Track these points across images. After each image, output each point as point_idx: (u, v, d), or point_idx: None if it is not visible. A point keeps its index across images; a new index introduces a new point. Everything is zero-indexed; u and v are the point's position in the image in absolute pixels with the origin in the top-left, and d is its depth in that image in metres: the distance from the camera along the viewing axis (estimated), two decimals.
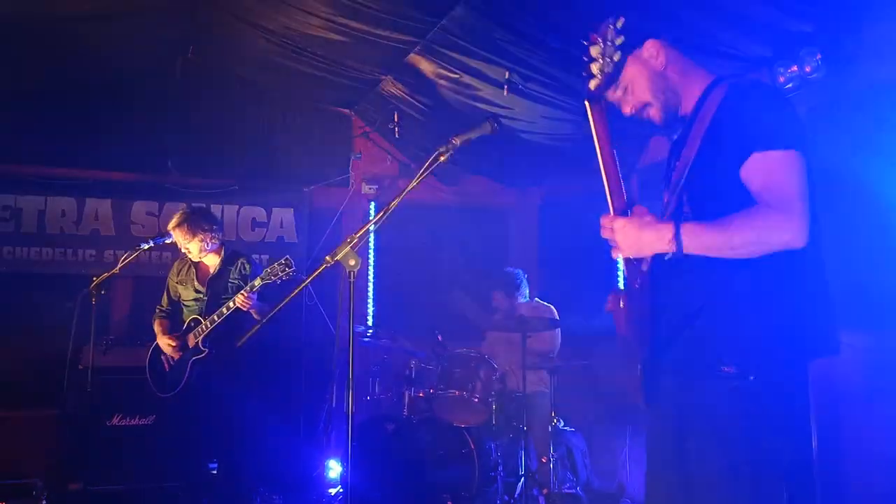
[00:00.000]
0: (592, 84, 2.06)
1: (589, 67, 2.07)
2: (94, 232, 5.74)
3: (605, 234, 2.02)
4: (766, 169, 1.87)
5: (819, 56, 3.96)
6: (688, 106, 2.13)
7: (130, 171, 5.89)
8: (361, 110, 6.39)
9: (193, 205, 5.24)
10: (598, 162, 2.05)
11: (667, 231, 1.90)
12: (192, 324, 4.58)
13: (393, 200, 2.53)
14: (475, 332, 5.68)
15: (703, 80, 2.11)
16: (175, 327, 4.66)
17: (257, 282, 4.32)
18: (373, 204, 6.52)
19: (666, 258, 1.99)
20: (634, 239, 1.95)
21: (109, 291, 5.55)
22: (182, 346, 4.56)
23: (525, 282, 5.43)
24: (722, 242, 1.87)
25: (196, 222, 4.57)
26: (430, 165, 2.32)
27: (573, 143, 5.38)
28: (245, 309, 4.40)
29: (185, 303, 4.70)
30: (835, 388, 3.90)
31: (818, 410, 3.78)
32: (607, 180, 2.04)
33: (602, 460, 5.79)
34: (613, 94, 2.15)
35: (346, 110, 6.49)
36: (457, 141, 2.42)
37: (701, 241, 1.89)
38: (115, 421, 5.11)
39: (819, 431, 3.76)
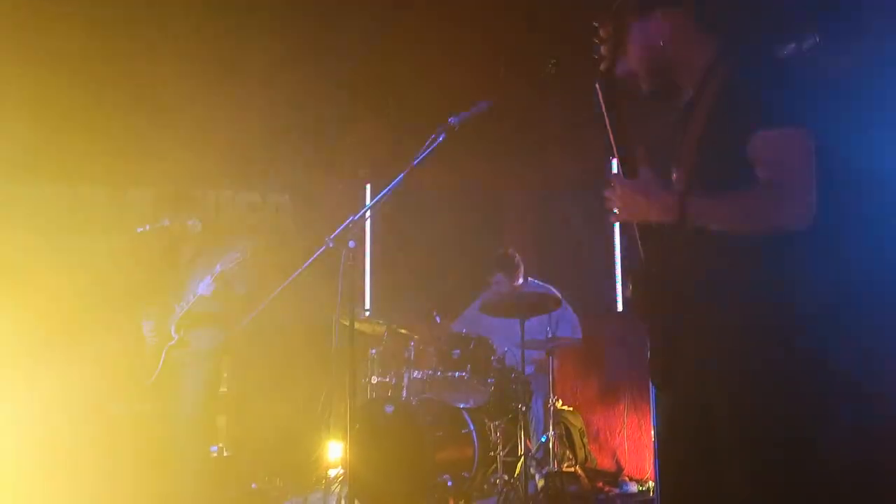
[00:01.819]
0: (603, 66, 2.04)
1: (599, 49, 2.05)
2: (87, 217, 5.71)
3: (608, 194, 1.98)
4: (771, 147, 1.84)
5: (817, 36, 3.95)
6: (692, 80, 2.08)
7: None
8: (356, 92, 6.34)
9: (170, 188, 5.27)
10: (608, 137, 2.04)
11: (669, 199, 1.88)
12: (169, 310, 4.60)
13: (388, 186, 2.52)
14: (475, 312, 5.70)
15: (710, 53, 2.06)
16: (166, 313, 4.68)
17: (217, 269, 4.33)
18: (368, 187, 6.49)
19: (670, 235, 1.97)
20: (635, 203, 1.92)
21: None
22: (161, 333, 4.58)
23: (521, 263, 5.44)
24: (723, 217, 1.86)
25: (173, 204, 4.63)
26: (428, 149, 2.30)
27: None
28: (209, 295, 4.41)
29: (170, 287, 4.72)
30: None
31: None
32: (616, 150, 2.02)
33: (600, 439, 5.84)
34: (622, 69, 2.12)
35: (341, 91, 6.44)
36: (455, 123, 2.41)
37: (703, 213, 1.86)
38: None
39: None
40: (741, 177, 1.88)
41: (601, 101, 2.02)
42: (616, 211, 1.97)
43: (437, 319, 5.01)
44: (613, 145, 2.00)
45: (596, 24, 2.02)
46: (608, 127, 2.01)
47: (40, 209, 5.62)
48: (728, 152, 1.90)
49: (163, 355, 4.53)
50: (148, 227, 4.65)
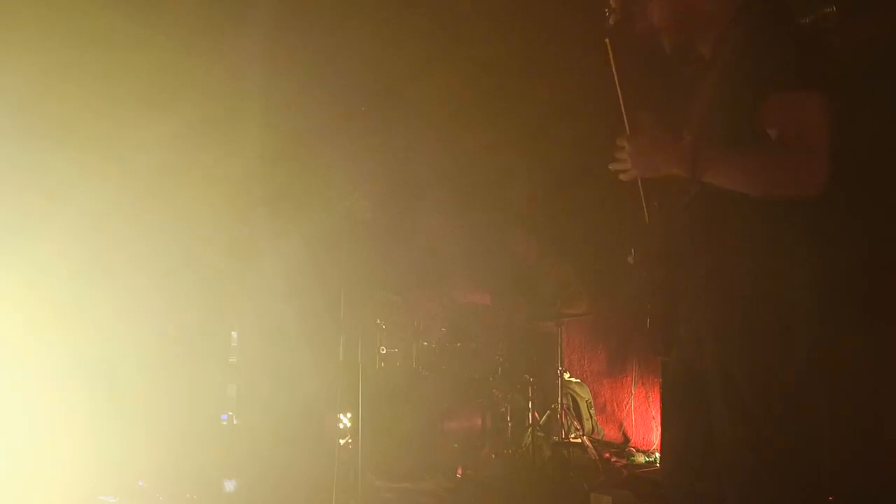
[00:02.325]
0: (612, 20, 2.00)
1: (609, 2, 2.01)
2: None
3: (619, 155, 1.94)
4: (787, 112, 1.80)
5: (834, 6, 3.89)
6: (709, 41, 2.04)
7: None
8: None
9: None
10: (616, 93, 2.00)
11: (682, 150, 1.85)
12: None
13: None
14: (482, 284, 5.70)
15: (728, 13, 2.01)
16: None
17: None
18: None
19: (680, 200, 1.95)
20: (647, 158, 1.89)
21: None
22: None
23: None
24: (736, 171, 1.83)
25: None
26: None
27: None
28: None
29: None
30: None
31: None
32: (624, 108, 1.99)
33: (607, 411, 5.86)
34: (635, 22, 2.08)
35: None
36: None
37: (716, 165, 1.83)
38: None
39: None
40: (752, 141, 1.85)
41: (611, 56, 1.98)
42: (628, 167, 1.93)
43: (446, 289, 5.02)
44: (621, 102, 1.97)
45: None
46: (617, 84, 1.97)
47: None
48: (741, 117, 1.88)
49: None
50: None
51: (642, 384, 5.57)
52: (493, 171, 6.85)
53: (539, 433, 4.73)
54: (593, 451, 4.98)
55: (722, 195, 1.85)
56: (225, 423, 5.31)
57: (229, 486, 4.39)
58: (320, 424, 5.35)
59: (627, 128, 1.97)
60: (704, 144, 1.88)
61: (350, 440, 4.83)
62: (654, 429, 5.28)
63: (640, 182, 2.03)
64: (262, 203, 6.11)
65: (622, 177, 1.97)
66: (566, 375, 5.03)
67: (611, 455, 5.19)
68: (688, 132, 2.02)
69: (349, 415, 4.84)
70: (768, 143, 1.84)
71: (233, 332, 5.34)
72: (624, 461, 5.09)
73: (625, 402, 5.76)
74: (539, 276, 4.91)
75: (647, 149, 1.87)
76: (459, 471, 4.44)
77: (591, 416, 5.60)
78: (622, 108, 1.99)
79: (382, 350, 5.12)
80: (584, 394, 5.60)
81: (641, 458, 5.11)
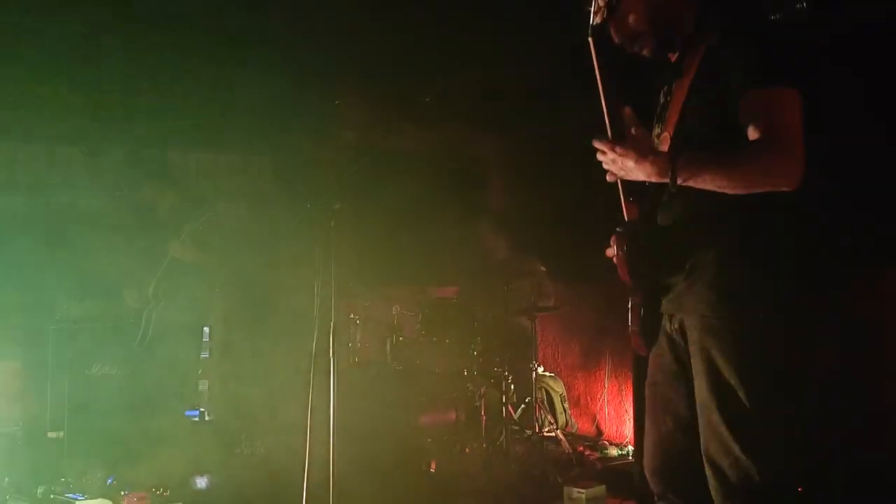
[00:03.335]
0: (596, 19, 2.01)
1: (593, 2, 2.02)
2: (67, 180, 5.59)
3: (600, 157, 1.96)
4: (762, 107, 1.85)
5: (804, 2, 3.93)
6: (680, 41, 2.08)
7: (103, 118, 5.72)
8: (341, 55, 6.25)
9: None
10: (597, 92, 2.01)
11: (663, 164, 1.87)
12: (149, 274, 4.59)
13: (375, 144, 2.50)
14: (457, 278, 5.69)
15: (695, 13, 2.07)
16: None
17: (185, 229, 4.31)
18: (353, 151, 6.41)
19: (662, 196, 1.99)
20: (626, 165, 1.91)
21: (86, 241, 5.48)
22: (142, 297, 4.58)
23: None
24: (717, 176, 1.86)
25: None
26: (413, 109, 2.27)
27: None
28: (180, 258, 4.39)
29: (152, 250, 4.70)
30: None
31: None
32: (606, 109, 1.99)
33: (581, 404, 5.89)
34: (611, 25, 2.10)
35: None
36: (441, 81, 2.38)
37: (697, 173, 1.86)
38: (93, 370, 5.08)
39: None
40: (726, 139, 1.89)
41: (593, 56, 1.97)
42: (616, 172, 1.96)
43: (421, 284, 5.01)
44: (603, 104, 1.98)
45: None
46: (599, 84, 1.97)
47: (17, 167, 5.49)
48: (716, 113, 1.92)
49: (143, 320, 4.53)
50: (127, 191, 4.62)
51: (615, 378, 5.60)
52: (466, 165, 6.86)
53: (513, 427, 4.74)
54: (567, 444, 5.01)
55: (700, 192, 1.90)
56: (196, 419, 5.26)
57: (201, 482, 4.35)
58: (292, 420, 5.32)
59: (609, 131, 1.98)
60: (682, 149, 1.92)
61: (323, 435, 4.81)
62: (627, 422, 5.31)
63: (619, 181, 2.05)
64: (239, 197, 6.07)
65: (608, 178, 1.99)
66: (540, 369, 5.05)
67: (584, 448, 5.22)
68: (663, 133, 2.05)
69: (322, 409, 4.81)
70: (745, 141, 1.87)
71: (204, 328, 5.28)
72: (597, 454, 5.12)
73: (598, 396, 5.80)
74: (512, 271, 4.91)
75: (627, 160, 1.89)
76: (433, 465, 4.44)
77: (565, 410, 5.63)
78: (604, 109, 1.99)
79: (358, 345, 5.11)
80: (557, 387, 5.63)
81: (615, 451, 5.14)
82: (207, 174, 5.97)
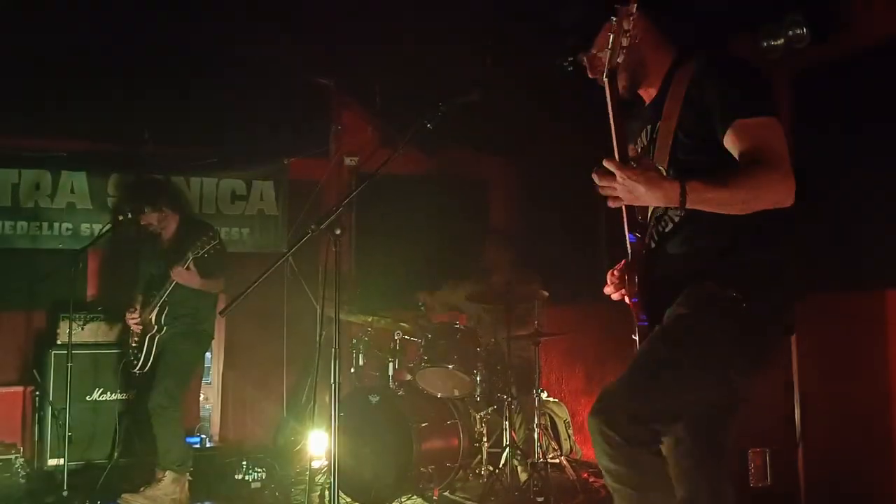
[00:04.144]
0: (614, 60, 2.07)
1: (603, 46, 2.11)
2: (70, 205, 5.62)
3: (604, 182, 1.98)
4: (755, 132, 1.98)
5: (804, 25, 3.97)
6: (656, 78, 2.22)
7: (106, 142, 5.75)
8: (341, 80, 6.29)
9: (146, 176, 5.25)
10: (608, 124, 2.11)
11: (672, 189, 1.92)
12: (151, 299, 4.57)
13: (376, 170, 2.50)
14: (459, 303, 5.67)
15: (671, 51, 2.22)
16: (149, 301, 4.65)
17: (189, 255, 4.28)
18: (354, 175, 6.44)
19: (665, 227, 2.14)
20: (636, 191, 1.94)
21: (87, 265, 5.49)
22: (143, 322, 4.56)
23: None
24: (724, 198, 1.95)
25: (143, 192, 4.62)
26: (415, 132, 2.28)
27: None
28: (185, 283, 4.37)
29: (152, 276, 4.69)
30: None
31: None
32: (616, 136, 2.08)
33: (585, 431, 5.84)
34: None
35: (326, 81, 6.38)
36: (443, 107, 2.38)
37: (704, 197, 1.94)
38: (94, 396, 5.06)
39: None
40: (718, 166, 2.01)
41: (608, 92, 2.07)
42: (616, 197, 1.99)
43: (423, 309, 4.98)
44: (614, 135, 2.06)
45: (613, 18, 2.02)
46: (611, 117, 2.07)
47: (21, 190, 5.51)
48: (705, 142, 2.06)
49: (145, 344, 4.51)
50: (129, 215, 4.62)
51: None
52: (468, 188, 6.88)
53: (517, 454, 4.70)
54: (571, 471, 4.95)
55: (702, 226, 2.07)
56: (198, 445, 5.23)
57: None
58: (293, 445, 5.29)
59: (617, 156, 2.05)
60: (685, 176, 1.98)
61: (325, 461, 4.77)
62: None
63: (623, 212, 2.17)
64: (237, 223, 6.08)
65: (611, 204, 2.03)
66: (544, 395, 5.01)
67: (589, 475, 5.16)
68: (656, 165, 2.12)
69: (324, 435, 4.78)
70: (736, 166, 1.99)
71: (207, 353, 5.26)
72: (602, 481, 5.06)
73: None
74: (515, 296, 4.89)
75: (638, 186, 1.92)
76: (436, 493, 4.39)
77: (570, 436, 5.57)
78: (613, 136, 2.08)
79: (359, 370, 5.08)
80: (562, 413, 5.58)
81: None
82: (210, 198, 5.98)
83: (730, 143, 2.00)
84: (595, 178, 1.96)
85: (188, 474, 4.56)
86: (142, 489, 4.33)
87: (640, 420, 1.96)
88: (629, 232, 2.19)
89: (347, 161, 6.43)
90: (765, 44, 4.05)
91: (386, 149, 6.32)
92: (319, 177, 6.26)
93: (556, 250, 6.19)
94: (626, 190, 1.94)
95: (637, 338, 2.20)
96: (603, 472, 2.02)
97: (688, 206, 1.92)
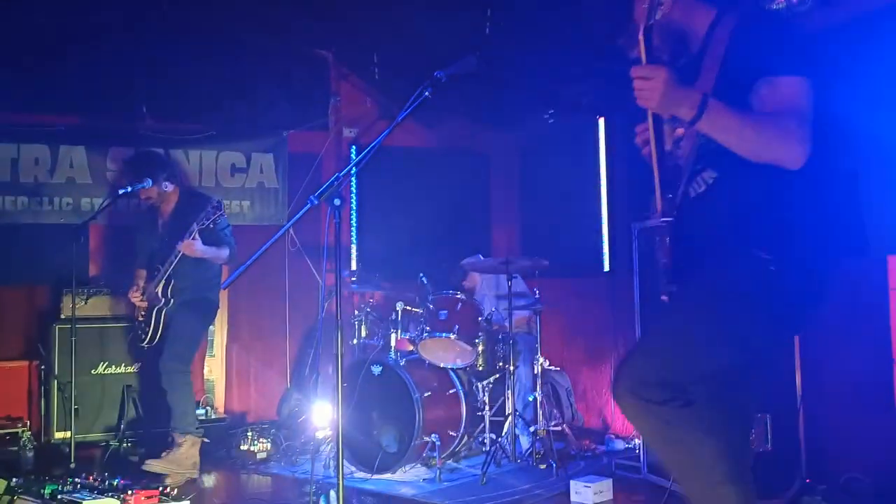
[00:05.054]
0: (653, 18, 2.07)
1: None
2: (70, 180, 5.61)
3: (636, 78, 2.02)
4: (774, 92, 1.97)
5: None
6: (695, 42, 2.19)
7: (104, 117, 5.73)
8: (340, 51, 6.24)
9: (143, 150, 5.22)
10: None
11: (695, 95, 1.97)
12: (155, 273, 4.58)
13: (375, 141, 2.49)
14: (456, 277, 5.69)
15: (708, 13, 2.17)
16: (153, 276, 4.66)
17: (195, 227, 4.29)
18: (353, 147, 6.42)
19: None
20: (663, 91, 1.97)
21: (88, 240, 5.49)
22: (149, 296, 4.57)
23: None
24: (735, 128, 1.97)
25: (141, 166, 4.60)
26: (415, 103, 2.27)
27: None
28: (192, 255, 4.38)
29: (154, 250, 4.70)
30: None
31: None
32: (644, 45, 2.07)
33: (586, 398, 5.89)
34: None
35: (325, 52, 6.33)
36: (442, 77, 2.36)
37: (719, 117, 1.97)
38: (100, 369, 5.10)
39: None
40: None
41: (642, 50, 2.06)
42: (646, 99, 2.02)
43: (424, 280, 5.00)
44: (641, 41, 2.07)
45: None
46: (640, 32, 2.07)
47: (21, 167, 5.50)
48: (737, 101, 2.01)
49: (152, 318, 4.53)
50: (129, 189, 4.61)
51: None
52: (472, 161, 6.85)
53: (518, 422, 4.74)
54: (573, 438, 5.01)
55: (736, 188, 2.05)
56: (202, 416, 5.27)
57: None
58: (297, 416, 5.34)
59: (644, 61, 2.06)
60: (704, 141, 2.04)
61: (329, 431, 4.82)
62: None
63: (655, 174, 2.15)
64: (237, 196, 6.07)
65: (638, 102, 2.05)
66: (545, 363, 5.04)
67: (590, 442, 5.22)
68: (681, 129, 2.15)
69: (328, 405, 4.83)
70: None
71: (210, 326, 5.29)
72: (604, 448, 5.11)
73: (604, 390, 5.79)
74: (516, 267, 4.91)
75: (665, 86, 1.96)
76: (439, 461, 4.44)
77: (571, 404, 5.62)
78: (641, 44, 2.07)
79: (361, 341, 5.11)
80: (563, 381, 5.62)
81: (621, 445, 5.13)
82: (210, 171, 5.97)
83: (755, 101, 2.00)
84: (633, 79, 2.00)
85: (203, 437, 4.63)
86: (164, 454, 4.39)
87: (668, 382, 1.99)
88: (661, 195, 2.17)
89: (346, 132, 6.40)
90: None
91: (385, 120, 6.30)
92: (319, 149, 6.24)
93: (556, 223, 6.20)
94: (651, 86, 1.97)
95: (666, 298, 2.21)
96: (639, 433, 2.06)
97: (703, 120, 1.94)
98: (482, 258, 5.37)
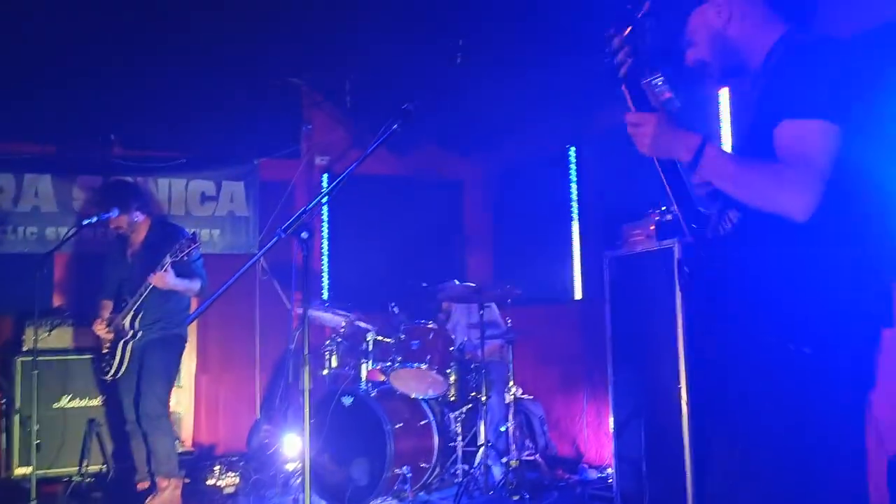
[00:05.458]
0: (622, 71, 2.05)
1: (616, 55, 2.07)
2: (35, 209, 5.52)
3: (631, 130, 1.99)
4: (793, 136, 1.83)
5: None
6: (757, 60, 2.05)
7: (72, 146, 5.66)
8: (312, 79, 6.24)
9: (113, 178, 5.16)
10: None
11: (693, 140, 1.92)
12: (122, 304, 4.49)
13: (344, 173, 2.48)
14: (431, 304, 5.65)
15: (773, 32, 2.01)
16: (120, 307, 4.56)
17: (167, 259, 4.21)
18: (325, 176, 6.40)
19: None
20: (654, 136, 1.95)
21: (53, 270, 5.39)
22: (116, 328, 4.47)
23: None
24: (731, 176, 1.89)
25: (111, 195, 4.53)
26: (383, 136, 2.26)
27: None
28: (164, 287, 4.30)
29: (122, 280, 4.61)
30: None
31: None
32: (630, 96, 2.05)
33: (560, 426, 5.86)
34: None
35: (297, 80, 6.33)
36: (411, 109, 2.36)
37: (715, 164, 1.91)
38: (63, 403, 4.98)
39: None
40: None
41: (629, 98, 2.04)
42: (639, 144, 1.99)
43: (395, 310, 4.96)
44: (630, 100, 2.05)
45: (611, 33, 2.00)
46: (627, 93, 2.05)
47: None
48: (766, 138, 1.90)
49: (118, 350, 4.43)
50: (95, 219, 4.53)
51: (594, 400, 5.59)
52: (439, 189, 6.86)
53: (491, 452, 4.70)
54: (546, 468, 4.97)
55: (761, 226, 1.88)
56: None
57: None
58: (266, 448, 5.24)
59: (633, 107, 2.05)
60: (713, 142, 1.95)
61: (299, 464, 4.74)
62: (607, 444, 5.28)
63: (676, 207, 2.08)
64: (207, 224, 6.00)
65: (641, 150, 2.02)
66: (518, 392, 5.02)
67: (564, 471, 5.19)
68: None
69: (297, 437, 4.75)
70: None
71: None
72: (577, 477, 5.08)
73: (577, 418, 5.77)
74: (488, 296, 4.90)
75: (660, 132, 1.94)
76: (411, 493, 4.38)
77: (545, 433, 5.59)
78: (629, 100, 2.06)
79: (332, 371, 5.05)
80: (536, 410, 5.60)
81: (594, 474, 5.11)
82: (179, 199, 5.91)
83: (775, 144, 1.85)
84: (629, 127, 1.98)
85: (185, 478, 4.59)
86: (149, 500, 4.35)
87: None
88: (685, 222, 2.08)
89: (319, 160, 6.39)
90: None
91: (357, 149, 6.30)
92: (291, 177, 6.21)
93: (529, 250, 6.21)
94: (645, 133, 1.95)
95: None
96: None
97: (701, 165, 1.90)
98: (457, 283, 5.35)
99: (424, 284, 5.12)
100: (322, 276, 6.40)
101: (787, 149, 1.83)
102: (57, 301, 5.52)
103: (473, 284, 4.92)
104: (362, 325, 4.93)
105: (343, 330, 5.11)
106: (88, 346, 5.06)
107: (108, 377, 4.52)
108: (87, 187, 5.60)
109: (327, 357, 5.06)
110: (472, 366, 4.81)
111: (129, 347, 4.43)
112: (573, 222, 5.88)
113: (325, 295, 6.34)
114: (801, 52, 1.90)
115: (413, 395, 4.71)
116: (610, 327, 4.28)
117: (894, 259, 1.95)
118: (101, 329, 4.53)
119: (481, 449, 4.64)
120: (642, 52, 2.05)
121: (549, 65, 4.97)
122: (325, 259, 6.43)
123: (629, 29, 2.01)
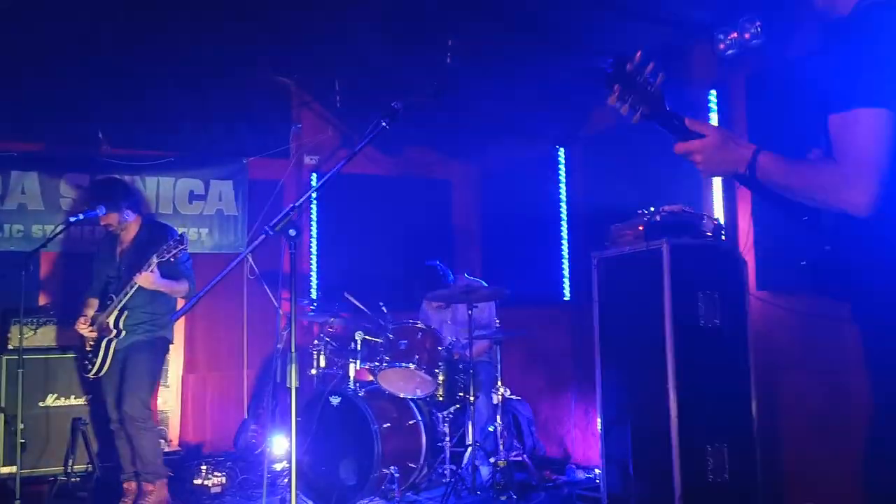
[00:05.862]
0: (634, 119, 2.02)
1: (620, 107, 2.02)
2: (21, 206, 5.48)
3: (688, 156, 2.00)
4: (842, 130, 1.79)
5: (759, 23, 4.04)
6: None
7: (60, 143, 5.62)
8: (302, 79, 6.23)
9: (105, 176, 5.12)
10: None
11: (746, 153, 1.92)
12: (108, 302, 4.45)
13: (331, 172, 2.48)
14: (420, 303, 5.65)
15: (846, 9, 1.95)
16: (105, 305, 4.53)
17: (154, 259, 4.18)
18: (314, 175, 6.39)
19: None
20: (714, 157, 1.96)
21: (38, 268, 5.36)
22: (99, 326, 4.44)
23: (448, 271, 5.40)
24: (786, 181, 1.90)
25: (101, 193, 4.50)
26: (371, 134, 2.25)
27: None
28: (149, 287, 4.27)
29: (109, 279, 4.58)
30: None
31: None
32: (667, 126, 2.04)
33: (547, 427, 5.87)
34: None
35: (286, 79, 6.32)
36: (399, 107, 2.36)
37: (770, 172, 1.90)
38: (48, 402, 4.94)
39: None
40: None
41: (661, 127, 2.03)
42: (701, 171, 2.01)
43: (384, 310, 4.96)
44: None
45: (610, 91, 1.98)
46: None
47: None
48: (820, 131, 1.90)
49: (101, 349, 4.40)
50: (81, 216, 4.49)
51: (582, 400, 5.60)
52: (428, 188, 6.86)
53: (479, 452, 4.70)
54: (533, 469, 4.97)
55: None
56: None
57: None
58: (253, 449, 5.23)
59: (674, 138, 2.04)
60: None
61: (287, 464, 4.72)
62: (595, 444, 5.29)
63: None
64: (195, 223, 5.98)
65: (703, 175, 2.05)
66: (507, 393, 5.02)
67: (551, 472, 5.19)
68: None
69: (285, 437, 4.74)
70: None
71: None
72: (565, 478, 5.09)
73: (565, 419, 5.78)
74: (477, 296, 4.89)
75: (713, 152, 1.95)
76: (398, 493, 4.37)
77: (532, 433, 5.59)
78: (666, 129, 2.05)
79: (320, 371, 5.04)
80: (524, 411, 5.60)
81: (582, 475, 5.11)
82: (167, 198, 5.88)
83: (829, 128, 1.82)
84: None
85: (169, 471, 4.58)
86: None
87: None
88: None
89: (308, 160, 6.38)
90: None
91: (347, 148, 6.29)
92: (280, 176, 6.20)
93: (518, 250, 6.22)
94: (702, 157, 1.96)
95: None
96: None
97: (757, 176, 1.90)
98: (467, 276, 5.36)
99: (437, 262, 5.14)
100: (311, 276, 6.39)
101: (841, 142, 1.79)
102: (43, 300, 5.48)
103: (483, 281, 4.94)
104: (352, 317, 4.93)
105: (331, 329, 5.10)
106: (73, 345, 5.03)
107: (91, 375, 4.48)
108: (75, 185, 5.56)
109: (315, 356, 5.05)
110: (461, 366, 4.81)
111: (112, 346, 4.40)
112: (562, 223, 5.89)
113: (314, 294, 6.32)
114: (846, 34, 1.86)
115: (401, 395, 4.70)
116: (598, 328, 4.28)
117: None
118: (83, 327, 4.49)
119: (469, 449, 4.64)
120: (643, 89, 1.98)
121: (539, 66, 4.98)
122: (314, 258, 6.42)
123: (617, 88, 1.96)
